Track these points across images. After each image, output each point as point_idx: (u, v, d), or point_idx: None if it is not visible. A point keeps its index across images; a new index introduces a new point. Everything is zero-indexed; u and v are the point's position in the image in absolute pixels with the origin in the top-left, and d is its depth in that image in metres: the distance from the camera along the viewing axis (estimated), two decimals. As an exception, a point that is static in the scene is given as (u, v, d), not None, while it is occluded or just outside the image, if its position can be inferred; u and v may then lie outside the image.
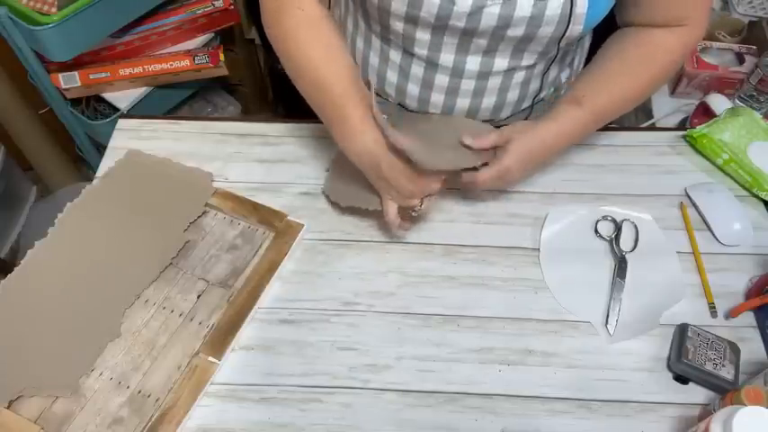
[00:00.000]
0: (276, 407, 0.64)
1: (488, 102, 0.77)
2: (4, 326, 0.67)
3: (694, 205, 0.79)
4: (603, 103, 0.72)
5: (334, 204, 0.78)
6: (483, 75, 0.73)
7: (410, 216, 0.74)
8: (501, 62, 0.72)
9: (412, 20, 0.68)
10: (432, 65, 0.73)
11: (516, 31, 0.67)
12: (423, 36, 0.70)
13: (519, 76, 0.75)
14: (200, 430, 0.62)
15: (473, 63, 0.72)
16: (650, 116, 1.16)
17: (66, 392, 0.63)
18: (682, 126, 1.09)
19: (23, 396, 0.63)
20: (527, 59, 0.72)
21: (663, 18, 0.70)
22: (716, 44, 1.18)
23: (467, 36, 0.69)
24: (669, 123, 1.12)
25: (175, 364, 0.65)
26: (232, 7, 1.44)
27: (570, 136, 0.73)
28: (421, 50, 0.72)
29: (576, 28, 0.66)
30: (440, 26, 0.68)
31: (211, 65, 1.37)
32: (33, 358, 0.65)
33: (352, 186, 0.76)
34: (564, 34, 0.67)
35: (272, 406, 0.64)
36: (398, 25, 0.70)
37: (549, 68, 0.77)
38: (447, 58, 0.72)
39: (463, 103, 0.77)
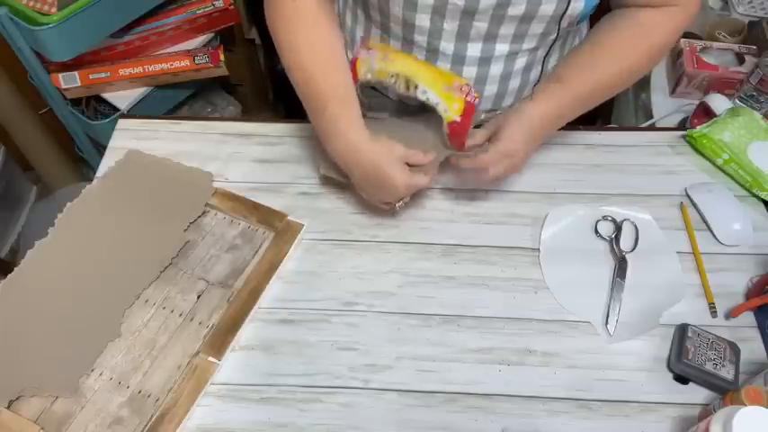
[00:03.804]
0: (276, 407, 0.64)
1: (491, 90, 0.77)
2: (4, 326, 0.67)
3: (694, 205, 0.79)
4: (586, 83, 0.72)
5: (326, 178, 0.79)
6: (484, 61, 0.73)
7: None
8: (502, 47, 0.72)
9: (411, 3, 0.68)
10: (433, 53, 0.73)
11: (516, 10, 0.66)
12: (422, 22, 0.70)
13: (521, 61, 0.75)
14: (200, 430, 0.62)
15: (474, 49, 0.72)
16: (650, 116, 1.16)
17: (66, 392, 0.63)
18: (682, 126, 1.09)
19: (23, 396, 0.63)
20: (528, 43, 0.72)
21: None
22: (716, 44, 1.18)
23: (467, 18, 0.68)
24: (669, 123, 1.12)
25: (175, 364, 0.65)
26: (232, 7, 1.44)
27: (556, 117, 0.72)
28: (421, 38, 0.72)
29: (577, 5, 0.66)
30: (439, 6, 0.67)
31: (211, 65, 1.37)
32: (33, 358, 0.65)
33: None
34: (565, 12, 0.66)
35: (272, 406, 0.64)
36: (398, 10, 0.70)
37: (549, 53, 0.76)
38: (447, 46, 0.72)
39: None
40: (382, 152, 0.69)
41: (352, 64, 0.73)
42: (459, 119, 0.71)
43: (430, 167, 0.73)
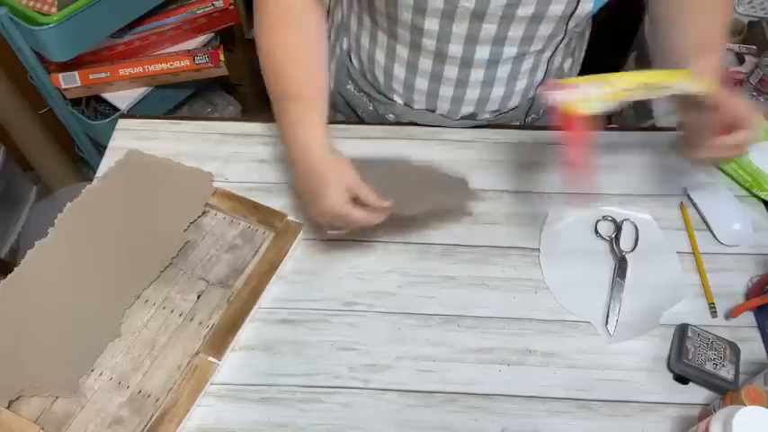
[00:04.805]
0: (276, 407, 0.64)
1: (497, 92, 0.77)
2: (4, 326, 0.67)
3: (694, 205, 0.79)
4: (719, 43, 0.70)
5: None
6: (492, 63, 0.73)
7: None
8: (510, 50, 0.72)
9: (420, 9, 0.68)
10: (440, 56, 0.73)
11: (526, 10, 0.66)
12: (431, 26, 0.70)
13: (527, 63, 0.75)
14: (200, 430, 0.62)
15: (482, 52, 0.72)
16: (650, 116, 1.16)
17: (66, 392, 0.63)
18: (682, 126, 1.09)
19: (23, 396, 0.63)
20: (536, 45, 0.72)
21: None
22: (716, 44, 1.18)
23: (476, 20, 0.68)
24: (669, 123, 1.12)
25: (175, 364, 0.65)
26: (232, 7, 1.44)
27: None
28: (429, 42, 0.72)
29: (586, 6, 0.66)
30: (449, 9, 0.67)
31: (211, 65, 1.37)
32: (33, 358, 0.65)
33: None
34: (574, 12, 0.67)
35: (272, 406, 0.64)
36: (406, 15, 0.70)
37: (554, 54, 0.77)
38: (456, 49, 0.72)
39: (473, 94, 0.77)
40: (334, 166, 0.64)
41: (564, 111, 0.62)
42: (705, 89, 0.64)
43: (378, 212, 0.66)
